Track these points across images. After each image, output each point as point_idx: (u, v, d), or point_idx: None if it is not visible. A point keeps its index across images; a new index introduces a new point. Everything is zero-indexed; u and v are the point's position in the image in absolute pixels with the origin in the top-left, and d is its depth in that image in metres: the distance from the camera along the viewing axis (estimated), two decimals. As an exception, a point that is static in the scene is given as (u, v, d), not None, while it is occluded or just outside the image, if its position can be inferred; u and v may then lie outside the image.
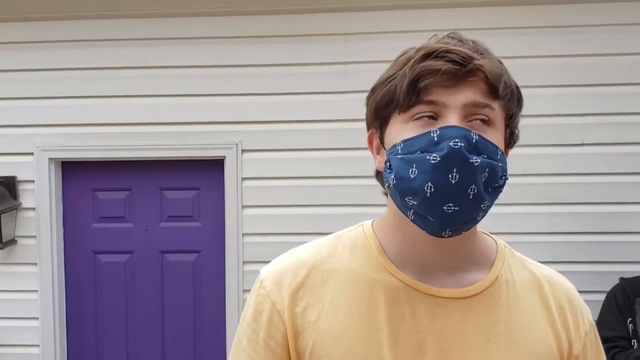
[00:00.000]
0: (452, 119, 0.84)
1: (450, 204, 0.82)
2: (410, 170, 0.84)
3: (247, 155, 3.03)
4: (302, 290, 0.93)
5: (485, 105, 0.86)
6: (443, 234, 0.85)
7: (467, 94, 0.85)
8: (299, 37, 3.01)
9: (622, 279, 2.71)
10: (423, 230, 0.86)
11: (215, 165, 3.10)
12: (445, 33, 0.91)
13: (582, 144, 2.94)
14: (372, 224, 0.99)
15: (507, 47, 2.94)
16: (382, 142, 0.91)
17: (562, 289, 0.99)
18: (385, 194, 0.95)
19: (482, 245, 0.95)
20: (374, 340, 0.88)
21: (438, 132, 0.83)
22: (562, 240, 2.94)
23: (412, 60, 0.86)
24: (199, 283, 3.20)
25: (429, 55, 0.85)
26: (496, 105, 0.87)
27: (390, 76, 0.88)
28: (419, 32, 2.89)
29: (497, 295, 0.92)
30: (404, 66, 0.87)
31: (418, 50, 0.88)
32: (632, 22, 2.91)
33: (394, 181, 0.85)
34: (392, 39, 2.94)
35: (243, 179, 3.04)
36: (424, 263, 0.91)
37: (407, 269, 0.92)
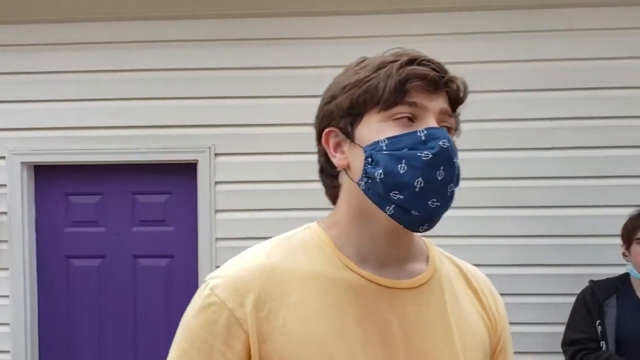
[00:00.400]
0: (432, 121, 0.91)
1: (435, 200, 0.89)
2: (400, 166, 0.88)
3: (220, 158, 3.02)
4: (264, 295, 0.90)
5: (451, 115, 0.95)
6: (420, 228, 0.91)
7: (442, 102, 0.93)
8: (272, 40, 3.02)
9: (591, 281, 2.76)
10: (400, 224, 0.91)
11: (188, 169, 3.09)
12: (395, 48, 0.96)
13: (552, 148, 2.98)
14: (318, 225, 0.99)
15: (476, 51, 2.98)
16: (351, 138, 0.94)
17: (482, 278, 1.08)
18: (335, 195, 0.99)
19: (417, 239, 1.02)
20: (345, 338, 0.90)
21: (425, 132, 0.89)
22: (531, 244, 2.98)
23: (397, 63, 0.91)
24: (172, 288, 3.18)
25: (414, 61, 0.92)
26: (453, 117, 0.96)
27: (367, 77, 0.92)
28: (389, 37, 2.93)
29: (439, 283, 0.99)
30: (379, 69, 0.92)
31: (398, 55, 0.93)
32: (600, 27, 2.97)
33: (382, 175, 0.89)
34: (364, 43, 2.96)
35: (216, 182, 3.03)
36: (381, 258, 0.95)
37: (366, 265, 0.95)
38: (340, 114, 0.94)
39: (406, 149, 0.89)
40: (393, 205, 0.90)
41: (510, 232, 2.98)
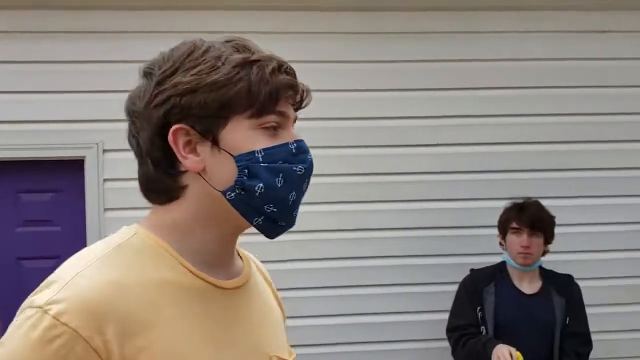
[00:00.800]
0: (292, 131, 0.91)
1: (297, 210, 0.92)
2: (277, 180, 0.88)
3: (108, 155, 2.93)
4: (121, 316, 0.80)
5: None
6: (277, 236, 0.92)
7: (293, 110, 0.93)
8: (164, 33, 2.96)
9: (472, 270, 2.91)
10: (262, 232, 0.91)
11: (75, 166, 2.98)
12: (236, 39, 0.92)
13: (437, 145, 3.12)
14: (146, 229, 0.91)
15: (357, 51, 3.07)
16: (215, 143, 0.87)
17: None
18: (167, 193, 0.90)
19: None
20: (203, 346, 0.87)
21: (295, 144, 0.90)
22: (415, 235, 3.09)
23: (268, 68, 0.88)
24: (58, 290, 3.06)
25: (281, 66, 0.89)
26: None
27: (236, 77, 0.87)
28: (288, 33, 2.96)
29: (254, 280, 1.00)
30: (243, 67, 0.87)
31: (263, 57, 0.89)
32: (483, 30, 3.13)
33: (262, 190, 0.87)
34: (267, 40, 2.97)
35: (105, 180, 2.95)
36: (215, 260, 0.93)
37: (204, 268, 0.91)
38: (202, 113, 0.86)
39: (281, 162, 0.88)
40: (263, 217, 0.89)
41: (397, 224, 3.08)
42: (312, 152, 3.15)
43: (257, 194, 0.87)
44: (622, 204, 3.19)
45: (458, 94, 3.12)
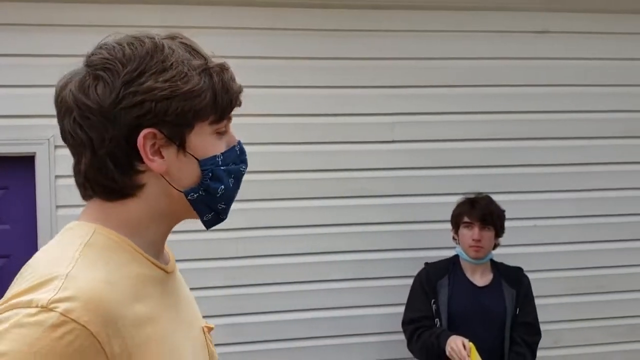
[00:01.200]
0: (232, 133, 0.98)
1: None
2: (230, 180, 0.96)
3: (60, 151, 2.85)
4: (121, 311, 0.83)
5: None
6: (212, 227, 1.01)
7: None
8: (114, 27, 2.91)
9: (426, 263, 2.97)
10: (207, 225, 0.99)
11: (25, 162, 2.90)
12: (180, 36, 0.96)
13: (393, 141, 3.17)
14: (103, 227, 0.92)
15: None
16: (182, 147, 0.91)
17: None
18: (123, 195, 0.92)
19: None
20: (174, 328, 0.93)
21: (239, 147, 0.98)
22: (372, 230, 3.13)
23: (226, 75, 0.94)
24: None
25: (232, 74, 0.96)
26: None
27: (202, 85, 0.91)
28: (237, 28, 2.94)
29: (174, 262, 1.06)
30: (202, 72, 0.91)
31: (219, 64, 0.94)
32: (441, 29, 3.18)
33: (223, 191, 0.94)
34: (223, 35, 2.96)
35: (57, 177, 2.87)
36: (159, 250, 0.98)
37: (156, 259, 0.96)
38: (176, 120, 0.90)
39: (232, 164, 0.96)
40: (213, 213, 0.97)
41: (353, 220, 3.11)
42: (271, 148, 3.21)
43: (218, 195, 0.95)
44: (568, 199, 3.30)
45: (413, 92, 3.17)
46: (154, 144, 0.90)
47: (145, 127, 0.89)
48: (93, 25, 2.87)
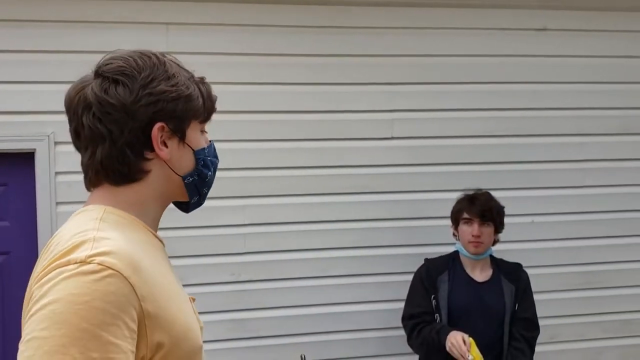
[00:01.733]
0: (205, 132, 1.22)
1: None
2: (212, 170, 1.20)
3: (60, 147, 2.85)
4: (144, 264, 1.01)
5: None
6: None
7: None
8: (117, 23, 2.90)
9: (426, 259, 2.99)
10: (189, 208, 1.23)
11: (25, 159, 2.88)
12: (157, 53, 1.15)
13: (392, 138, 3.18)
14: (113, 208, 1.10)
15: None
16: (182, 139, 1.14)
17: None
18: (132, 180, 1.11)
19: None
20: (177, 287, 1.12)
21: (213, 144, 1.23)
22: (372, 226, 3.14)
23: (209, 87, 1.20)
24: (9, 286, 2.95)
25: (207, 83, 1.21)
26: None
27: (197, 91, 1.16)
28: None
29: None
30: (191, 81, 1.16)
31: (202, 78, 1.19)
32: (437, 26, 3.19)
33: (210, 176, 1.20)
34: (215, 31, 2.96)
35: (56, 173, 2.86)
36: (157, 226, 1.19)
37: (155, 232, 1.18)
38: (181, 116, 1.12)
39: (212, 157, 1.20)
40: (198, 197, 1.20)
41: (354, 216, 3.12)
42: (272, 145, 3.20)
43: (207, 179, 1.19)
44: (566, 195, 3.33)
45: (413, 89, 3.18)
46: (161, 136, 1.11)
47: (157, 121, 1.10)
48: (90, 21, 2.86)
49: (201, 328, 1.21)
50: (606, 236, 3.37)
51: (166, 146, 1.11)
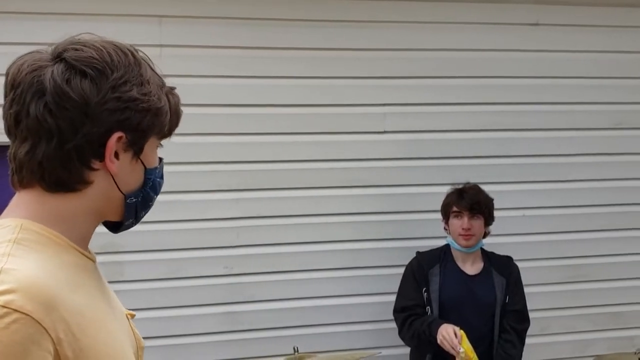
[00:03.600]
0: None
1: None
2: (157, 192, 1.05)
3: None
4: (61, 298, 0.86)
5: None
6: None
7: None
8: (109, 16, 2.88)
9: (418, 252, 3.01)
10: (117, 230, 1.06)
11: (3, 152, 2.86)
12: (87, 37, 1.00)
13: (385, 132, 3.19)
14: (31, 222, 0.93)
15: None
16: (137, 155, 1.00)
17: None
18: (69, 189, 0.96)
19: None
20: (107, 313, 0.98)
21: (162, 163, 1.07)
22: (364, 220, 3.15)
23: (177, 99, 1.04)
24: None
25: (177, 95, 1.06)
26: None
27: (164, 105, 1.01)
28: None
29: None
30: (166, 95, 1.02)
31: (172, 88, 1.04)
32: (431, 20, 3.20)
33: (153, 201, 1.05)
34: (209, 24, 2.95)
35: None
36: (86, 244, 1.02)
37: (83, 249, 1.00)
38: (145, 129, 0.98)
39: (160, 178, 1.05)
40: (133, 220, 1.04)
41: (346, 210, 3.13)
42: (264, 138, 3.19)
43: (150, 203, 1.05)
44: (557, 189, 3.34)
45: (405, 83, 3.18)
46: (116, 147, 0.96)
47: (117, 130, 0.95)
48: (82, 13, 2.83)
49: (141, 348, 1.09)
50: (597, 230, 3.39)
51: (117, 158, 0.96)
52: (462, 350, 2.57)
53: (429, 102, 3.22)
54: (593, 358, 2.93)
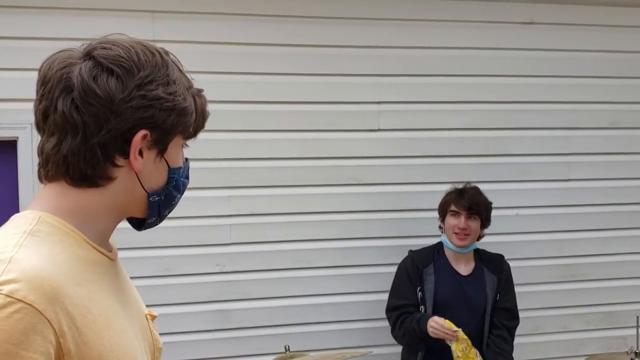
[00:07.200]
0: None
1: None
2: (182, 191, 1.06)
3: (44, 136, 2.81)
4: (66, 290, 0.87)
5: None
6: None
7: None
8: (102, 10, 2.86)
9: (411, 251, 3.00)
10: (142, 227, 1.08)
11: (7, 148, 2.85)
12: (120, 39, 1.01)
13: (379, 130, 3.18)
14: (51, 215, 0.95)
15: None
16: (162, 153, 1.01)
17: None
18: (92, 184, 0.97)
19: None
20: (118, 311, 0.98)
21: (188, 163, 1.09)
22: (358, 218, 3.14)
23: (205, 101, 1.07)
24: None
25: (204, 96, 1.08)
26: None
27: (191, 105, 1.03)
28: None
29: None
30: (193, 97, 1.04)
31: (199, 90, 1.06)
32: (428, 18, 3.19)
33: (178, 199, 1.06)
34: (202, 19, 2.93)
35: (40, 162, 2.82)
36: (106, 239, 1.04)
37: (100, 245, 1.01)
38: (169, 129, 0.99)
39: (185, 178, 1.07)
40: (157, 218, 1.06)
41: (339, 208, 3.12)
42: (258, 135, 3.18)
43: (173, 202, 1.06)
44: (550, 188, 3.35)
45: (399, 80, 3.18)
46: (141, 145, 0.98)
47: (142, 127, 0.96)
48: (73, 7, 2.82)
49: (158, 349, 1.10)
50: (590, 229, 3.40)
51: (142, 156, 0.98)
52: (456, 329, 2.59)
53: (424, 100, 3.21)
54: (585, 357, 2.93)
